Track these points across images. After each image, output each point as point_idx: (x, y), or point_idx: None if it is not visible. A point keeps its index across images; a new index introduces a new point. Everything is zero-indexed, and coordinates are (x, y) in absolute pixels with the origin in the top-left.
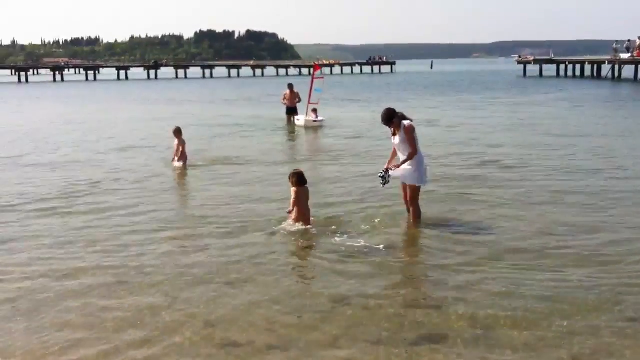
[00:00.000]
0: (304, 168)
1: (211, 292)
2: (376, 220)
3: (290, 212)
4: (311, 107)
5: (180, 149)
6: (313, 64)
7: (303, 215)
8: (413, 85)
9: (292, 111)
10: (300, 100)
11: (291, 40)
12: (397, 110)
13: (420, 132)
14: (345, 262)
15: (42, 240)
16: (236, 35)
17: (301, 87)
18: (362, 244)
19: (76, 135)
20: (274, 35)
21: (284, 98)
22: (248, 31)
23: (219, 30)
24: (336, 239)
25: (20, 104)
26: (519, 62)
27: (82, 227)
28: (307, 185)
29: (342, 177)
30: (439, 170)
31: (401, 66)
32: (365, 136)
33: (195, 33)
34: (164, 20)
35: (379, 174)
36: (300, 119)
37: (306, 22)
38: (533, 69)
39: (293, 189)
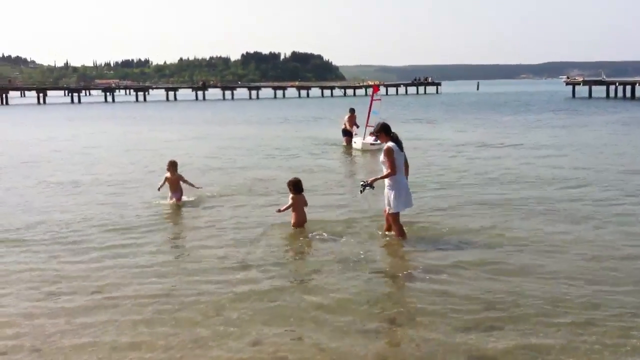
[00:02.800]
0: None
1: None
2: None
3: (279, 211)
4: (370, 129)
5: (174, 184)
6: (373, 84)
7: (298, 220)
8: (469, 105)
9: (349, 134)
10: (358, 126)
11: (336, 61)
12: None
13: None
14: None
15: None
16: (282, 56)
17: (346, 108)
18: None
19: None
20: (319, 57)
21: (346, 121)
22: (293, 52)
23: (265, 52)
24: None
25: (84, 124)
26: (567, 83)
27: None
28: (303, 193)
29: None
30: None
31: (446, 87)
32: (433, 163)
33: (242, 55)
34: (212, 43)
35: (362, 182)
36: (357, 142)
37: (351, 44)
38: (582, 90)
39: (290, 196)
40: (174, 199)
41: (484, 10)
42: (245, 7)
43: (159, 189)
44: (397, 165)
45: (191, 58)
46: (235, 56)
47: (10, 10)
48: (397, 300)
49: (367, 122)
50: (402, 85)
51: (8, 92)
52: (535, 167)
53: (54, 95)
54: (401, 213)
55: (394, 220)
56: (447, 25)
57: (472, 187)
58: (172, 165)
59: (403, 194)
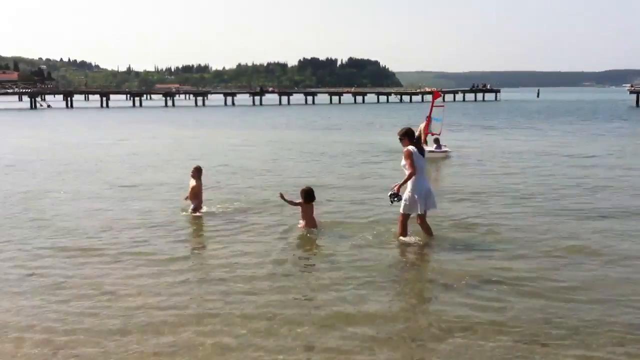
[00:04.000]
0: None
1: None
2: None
3: (281, 196)
4: (433, 137)
5: (195, 191)
6: (433, 90)
7: (308, 226)
8: (532, 112)
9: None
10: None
11: (393, 67)
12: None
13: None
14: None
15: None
16: (338, 62)
17: (402, 114)
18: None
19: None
20: (376, 63)
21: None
22: (350, 59)
23: (322, 57)
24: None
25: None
26: (631, 92)
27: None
28: (312, 203)
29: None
30: None
31: (506, 94)
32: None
33: (299, 61)
34: (269, 49)
35: (390, 192)
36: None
37: (408, 50)
38: None
39: (301, 202)
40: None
41: (545, 15)
42: (302, 14)
43: (185, 199)
44: (418, 167)
45: (249, 64)
46: (292, 62)
47: (77, 17)
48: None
49: (427, 129)
50: (460, 92)
51: (73, 96)
52: None
53: (116, 99)
54: (430, 214)
55: (401, 221)
56: (506, 31)
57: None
58: (198, 172)
59: (423, 196)
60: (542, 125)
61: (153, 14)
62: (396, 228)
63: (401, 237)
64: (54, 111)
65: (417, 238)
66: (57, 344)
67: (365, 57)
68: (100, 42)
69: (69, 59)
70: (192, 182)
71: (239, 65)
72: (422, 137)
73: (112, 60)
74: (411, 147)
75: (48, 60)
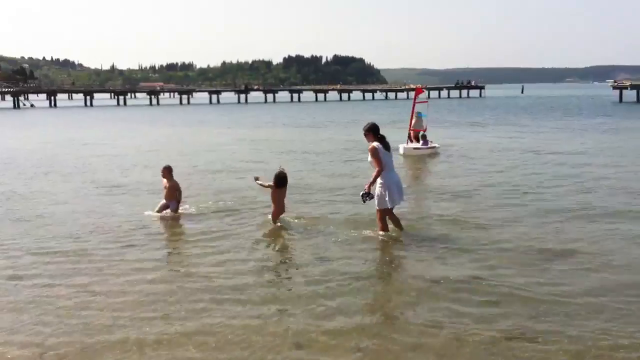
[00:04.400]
0: None
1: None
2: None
3: (256, 179)
4: (418, 133)
5: (170, 192)
6: (416, 87)
7: (276, 211)
8: (518, 108)
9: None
10: (425, 129)
11: (377, 64)
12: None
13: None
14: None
15: None
16: (323, 60)
17: (388, 111)
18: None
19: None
20: (361, 60)
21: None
22: (335, 56)
23: (307, 55)
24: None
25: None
26: (614, 87)
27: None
28: (284, 188)
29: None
30: None
31: (490, 90)
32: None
33: (284, 58)
34: (254, 46)
35: (362, 192)
36: (400, 147)
37: (392, 47)
38: (630, 94)
39: (272, 185)
40: (168, 210)
41: (528, 12)
42: (286, 11)
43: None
44: (385, 162)
45: (234, 61)
46: (277, 60)
47: (59, 15)
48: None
49: (410, 126)
50: (444, 89)
51: (56, 95)
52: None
53: (100, 97)
54: (395, 208)
55: (380, 217)
56: (490, 28)
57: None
58: (168, 171)
59: (394, 190)
60: (529, 121)
61: (137, 12)
62: (378, 225)
63: (381, 232)
64: (37, 110)
65: (395, 233)
66: (46, 346)
67: (350, 55)
68: (83, 40)
69: (52, 58)
70: (165, 182)
71: (224, 63)
72: (411, 134)
73: (95, 59)
74: (375, 143)
75: (30, 58)
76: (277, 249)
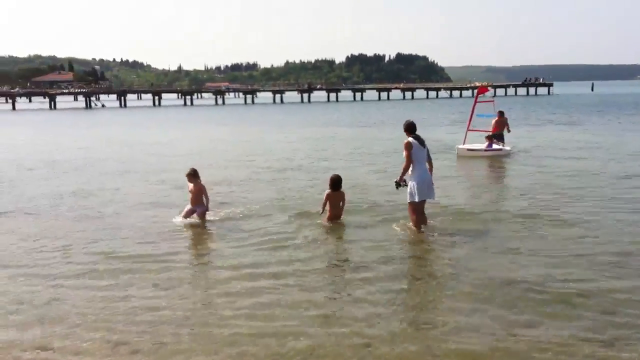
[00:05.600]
0: None
1: None
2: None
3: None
4: (479, 134)
5: (197, 195)
6: (480, 85)
7: (332, 214)
8: (591, 106)
9: (498, 137)
10: (509, 130)
11: (441, 62)
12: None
13: None
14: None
15: None
16: (386, 58)
17: (452, 110)
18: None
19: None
20: (424, 58)
21: (494, 125)
22: (398, 54)
23: (370, 54)
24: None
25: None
26: None
27: None
28: (341, 190)
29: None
30: None
31: (558, 88)
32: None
33: (347, 57)
34: (317, 46)
35: (395, 181)
36: (461, 147)
37: (457, 44)
38: None
39: (326, 192)
40: (193, 214)
41: (598, 7)
42: (349, 10)
43: (184, 216)
44: (416, 158)
45: (297, 61)
46: (339, 59)
47: (129, 18)
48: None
49: (469, 126)
50: (511, 86)
51: (126, 95)
52: None
53: (168, 97)
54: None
55: (411, 210)
56: (558, 24)
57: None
58: (193, 174)
59: (423, 186)
60: (611, 118)
61: (203, 14)
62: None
63: (411, 225)
64: (108, 110)
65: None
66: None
67: (414, 53)
68: (151, 42)
69: (122, 59)
70: (190, 187)
71: (287, 63)
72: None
73: (162, 60)
74: (410, 139)
75: (101, 60)
76: (340, 251)
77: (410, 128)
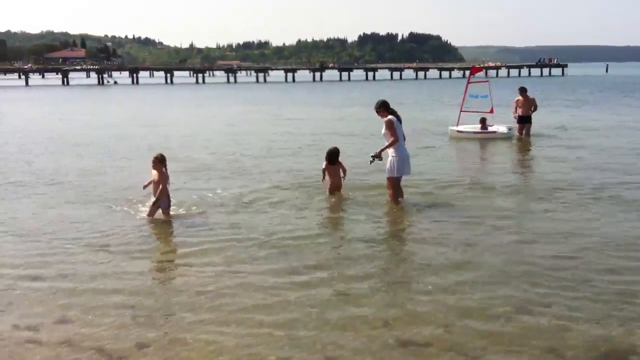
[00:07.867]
0: None
1: None
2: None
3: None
4: (476, 115)
5: (160, 186)
6: (471, 66)
7: (332, 185)
8: (608, 87)
9: (524, 120)
10: (535, 109)
11: (455, 42)
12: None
13: None
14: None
15: None
16: (399, 37)
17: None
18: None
19: None
20: (437, 37)
21: (517, 106)
22: (411, 33)
23: (382, 33)
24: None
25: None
26: None
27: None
28: (339, 162)
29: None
30: None
31: (572, 69)
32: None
33: (359, 36)
34: (329, 24)
35: (371, 154)
36: (452, 129)
37: (471, 24)
38: None
39: (324, 164)
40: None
41: None
42: None
43: (144, 187)
44: (398, 134)
45: (309, 40)
46: (352, 37)
47: None
48: None
49: (462, 107)
50: (525, 67)
51: (139, 72)
52: None
53: (179, 75)
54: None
55: (392, 185)
56: (573, 3)
57: None
58: (159, 161)
59: (406, 161)
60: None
61: None
62: (388, 193)
63: (393, 202)
64: (121, 87)
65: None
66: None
67: (427, 32)
68: (163, 19)
69: (134, 36)
70: (154, 174)
71: (299, 42)
72: (521, 113)
73: (175, 37)
74: (391, 116)
75: (113, 37)
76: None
77: (385, 106)
